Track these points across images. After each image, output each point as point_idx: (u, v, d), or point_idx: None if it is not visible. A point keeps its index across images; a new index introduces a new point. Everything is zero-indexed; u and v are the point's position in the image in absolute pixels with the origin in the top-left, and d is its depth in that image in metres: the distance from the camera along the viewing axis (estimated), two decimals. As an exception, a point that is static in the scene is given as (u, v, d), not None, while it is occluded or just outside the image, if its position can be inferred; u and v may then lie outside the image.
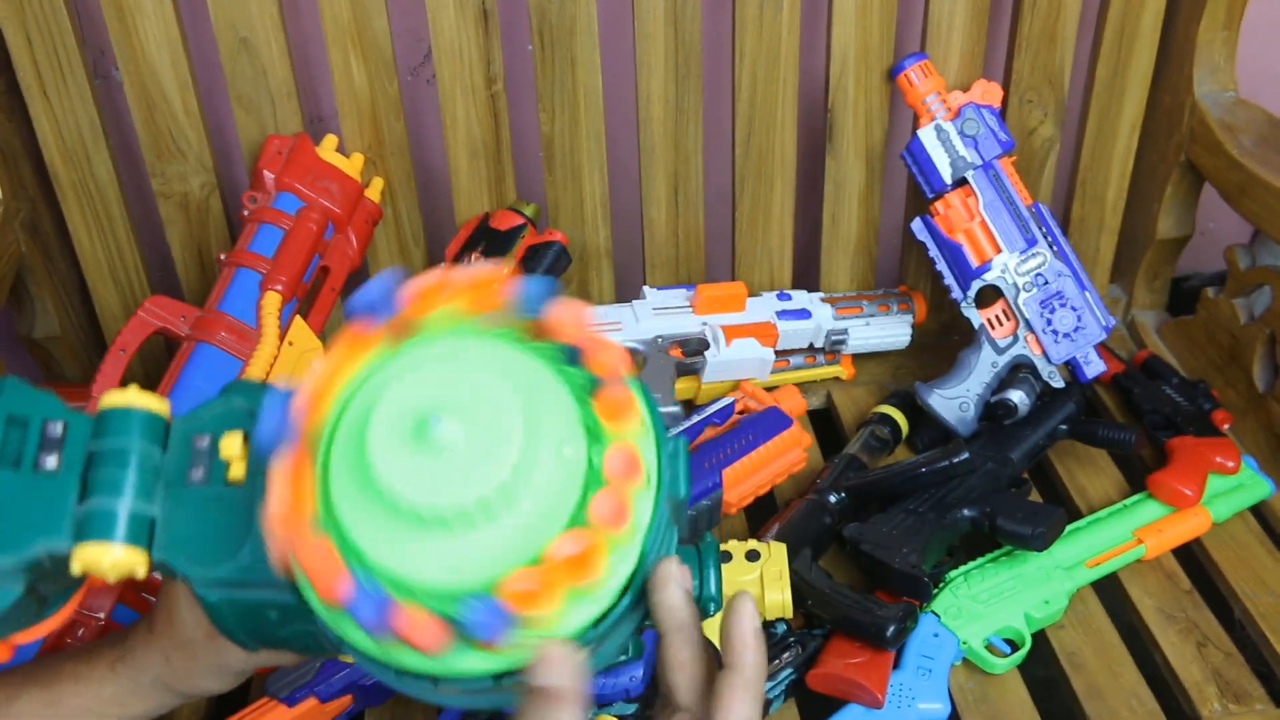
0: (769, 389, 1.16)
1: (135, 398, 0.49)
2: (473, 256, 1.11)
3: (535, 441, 0.46)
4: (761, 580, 0.91)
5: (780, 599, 0.90)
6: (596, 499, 0.44)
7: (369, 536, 0.45)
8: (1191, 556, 1.06)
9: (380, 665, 0.47)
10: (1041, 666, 0.97)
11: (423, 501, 0.44)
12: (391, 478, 0.44)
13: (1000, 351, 1.12)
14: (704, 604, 0.55)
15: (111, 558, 0.46)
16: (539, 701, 0.45)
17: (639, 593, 0.48)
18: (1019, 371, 1.12)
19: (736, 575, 0.91)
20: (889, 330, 1.22)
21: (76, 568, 0.46)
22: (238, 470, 0.49)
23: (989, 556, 1.01)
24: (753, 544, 0.93)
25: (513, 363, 0.48)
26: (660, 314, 1.13)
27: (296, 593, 0.47)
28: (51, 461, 0.47)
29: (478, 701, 0.50)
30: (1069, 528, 1.02)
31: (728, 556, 0.92)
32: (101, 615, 0.89)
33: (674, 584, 0.49)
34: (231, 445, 0.49)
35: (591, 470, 0.46)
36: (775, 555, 0.92)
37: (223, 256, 1.04)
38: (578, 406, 0.48)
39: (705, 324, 1.14)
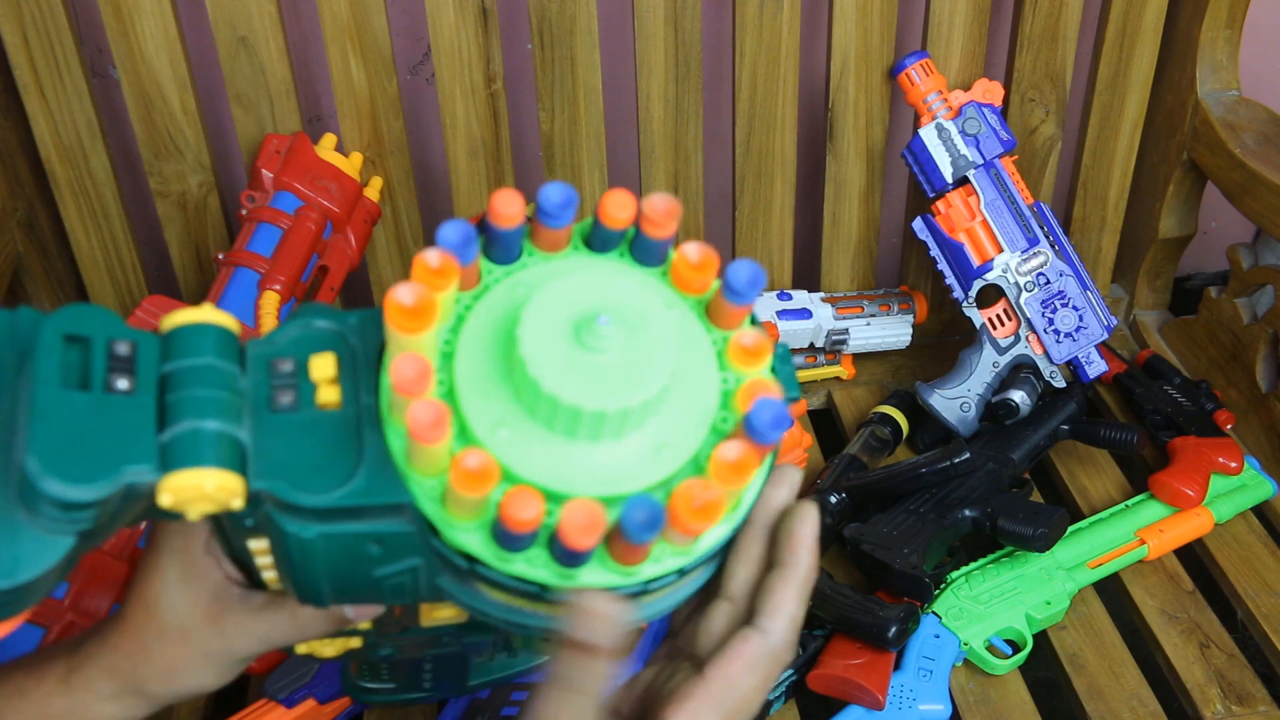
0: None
1: (207, 314, 0.44)
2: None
3: (687, 352, 0.46)
4: None
5: None
6: (756, 406, 0.43)
7: (513, 447, 0.43)
8: (1194, 557, 1.06)
9: (494, 580, 0.44)
10: (1043, 667, 0.97)
11: (587, 404, 0.42)
12: (550, 379, 0.42)
13: (1002, 351, 1.11)
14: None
15: (214, 481, 0.41)
16: (572, 654, 0.44)
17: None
18: (1020, 371, 1.12)
19: None
20: (890, 330, 1.21)
21: (166, 500, 0.41)
22: (330, 394, 0.45)
23: (990, 557, 1.01)
24: None
25: (645, 281, 0.48)
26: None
27: (417, 514, 0.43)
28: (124, 383, 0.42)
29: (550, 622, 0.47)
30: (1070, 528, 1.02)
31: None
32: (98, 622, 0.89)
33: (787, 487, 0.50)
34: (323, 366, 0.45)
35: (725, 394, 0.47)
36: None
37: (221, 256, 1.04)
38: (708, 333, 0.48)
39: (705, 324, 1.14)
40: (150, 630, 0.53)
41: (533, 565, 0.43)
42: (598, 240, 0.50)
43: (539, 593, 0.44)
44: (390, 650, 0.63)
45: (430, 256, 0.43)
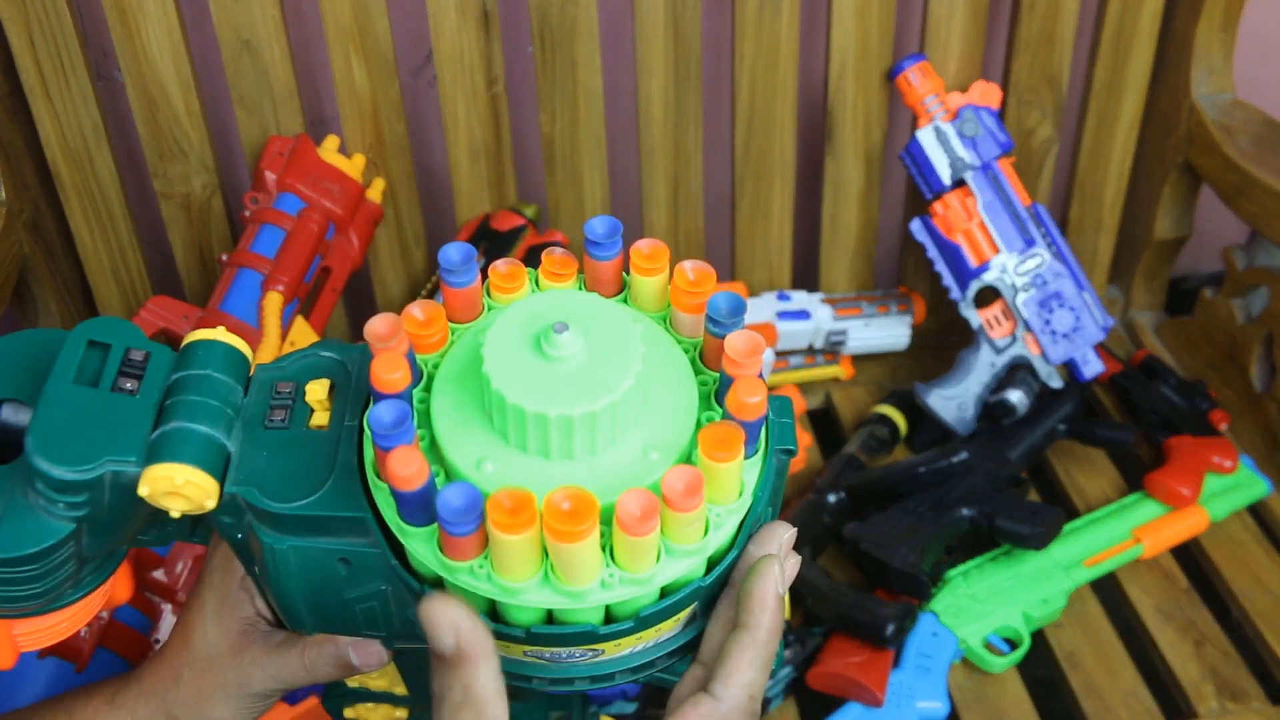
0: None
1: (221, 334, 0.48)
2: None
3: (653, 358, 0.45)
4: None
5: None
6: (735, 393, 0.43)
7: (498, 479, 0.43)
8: (1189, 556, 1.06)
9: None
10: (1040, 665, 0.98)
11: (551, 411, 0.41)
12: (513, 391, 0.42)
13: (999, 352, 1.12)
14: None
15: (185, 476, 0.44)
16: (439, 668, 0.43)
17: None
18: (1017, 371, 1.12)
19: None
20: (888, 331, 1.22)
21: (143, 490, 0.44)
22: (321, 417, 0.48)
23: (988, 556, 1.01)
24: None
25: (615, 304, 0.48)
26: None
27: (378, 527, 0.45)
28: (130, 385, 0.46)
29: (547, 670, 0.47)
30: (1067, 527, 1.03)
31: None
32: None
33: (775, 542, 0.47)
34: (318, 390, 0.48)
35: (704, 394, 0.46)
36: None
37: (224, 257, 1.04)
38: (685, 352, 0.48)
39: (705, 324, 1.14)
40: (183, 657, 0.56)
41: (476, 578, 0.42)
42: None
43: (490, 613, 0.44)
44: None
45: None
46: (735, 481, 0.44)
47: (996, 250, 1.11)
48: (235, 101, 1.08)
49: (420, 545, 0.43)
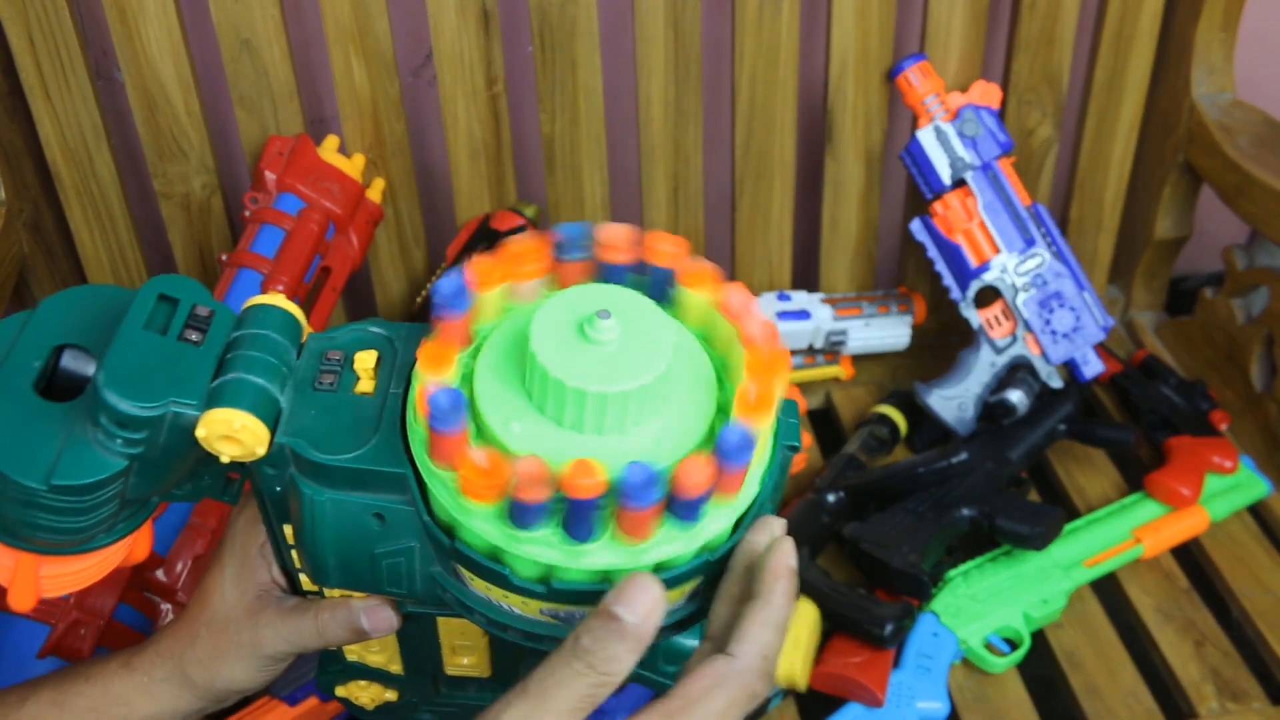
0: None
1: (279, 300, 0.51)
2: (474, 258, 1.11)
3: (686, 356, 0.50)
4: None
5: (790, 667, 0.82)
6: (750, 369, 0.47)
7: (524, 440, 0.46)
8: (1189, 556, 1.06)
9: (486, 567, 0.47)
10: (1040, 665, 0.98)
11: (590, 387, 0.45)
12: (556, 366, 0.45)
13: (999, 352, 1.12)
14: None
15: (244, 423, 0.47)
16: (599, 624, 0.44)
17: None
18: (1018, 372, 1.12)
19: None
20: (888, 331, 1.22)
21: (200, 433, 0.47)
22: (367, 385, 0.51)
23: (988, 556, 1.01)
24: None
25: (650, 301, 0.50)
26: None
27: (416, 482, 0.48)
28: (195, 336, 0.50)
29: (554, 629, 0.49)
30: (1067, 527, 1.03)
31: None
32: (103, 620, 0.89)
33: (768, 532, 0.50)
34: (366, 360, 0.51)
35: (722, 392, 0.50)
36: (802, 617, 0.86)
37: (224, 257, 1.04)
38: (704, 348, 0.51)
39: (705, 324, 1.14)
40: (201, 618, 0.58)
41: (544, 545, 0.45)
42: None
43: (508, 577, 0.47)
44: (429, 715, 0.65)
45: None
46: (766, 442, 0.48)
47: (997, 250, 1.11)
48: (235, 101, 1.08)
49: (482, 523, 0.46)
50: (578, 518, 0.44)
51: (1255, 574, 1.03)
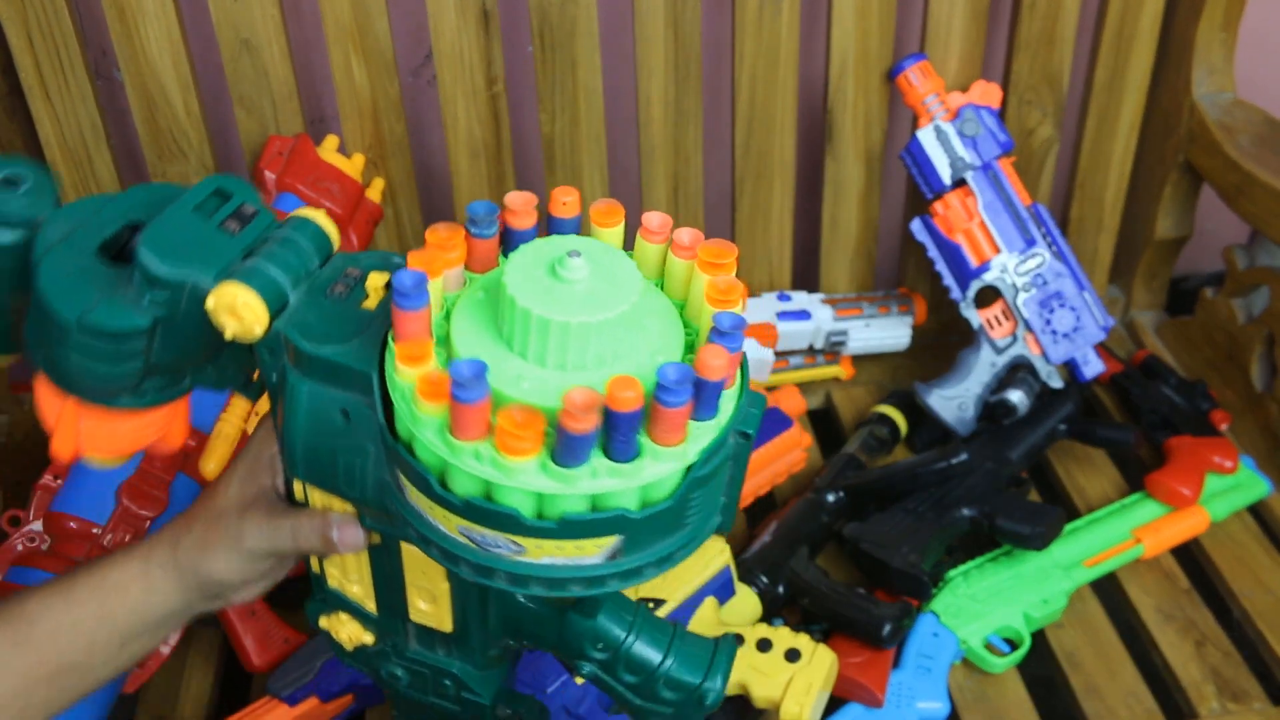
0: (769, 389, 1.17)
1: (319, 217, 0.57)
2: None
3: (646, 294, 0.52)
4: (788, 686, 0.83)
5: (798, 711, 0.82)
6: (702, 266, 0.51)
7: (513, 385, 0.49)
8: (1190, 556, 1.06)
9: (417, 473, 0.50)
10: (1040, 666, 0.98)
11: (556, 318, 0.48)
12: (531, 301, 0.48)
13: (999, 352, 1.12)
14: (701, 692, 0.60)
15: (245, 298, 0.52)
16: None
17: (694, 484, 0.50)
18: (1018, 371, 1.12)
19: (765, 669, 0.84)
20: (889, 332, 1.22)
21: (210, 302, 0.52)
22: (372, 301, 0.55)
23: (988, 556, 1.01)
24: (802, 640, 0.85)
25: (615, 248, 0.54)
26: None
27: (380, 381, 0.52)
28: (233, 226, 0.55)
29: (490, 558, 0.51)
30: (1068, 527, 1.03)
31: (766, 645, 0.86)
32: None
33: None
34: (378, 280, 0.55)
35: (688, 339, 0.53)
36: (817, 663, 0.84)
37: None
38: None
39: (705, 324, 1.14)
40: (202, 510, 0.63)
41: (595, 477, 0.48)
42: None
43: (445, 498, 0.49)
44: (400, 671, 0.67)
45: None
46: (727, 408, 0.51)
47: (997, 250, 1.11)
48: (235, 101, 1.08)
49: (428, 433, 0.48)
50: (626, 433, 0.47)
51: (1256, 574, 1.03)
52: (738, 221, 1.20)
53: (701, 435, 0.49)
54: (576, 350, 0.49)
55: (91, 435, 0.59)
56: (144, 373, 0.56)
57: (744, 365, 0.53)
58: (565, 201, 0.56)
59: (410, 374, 0.49)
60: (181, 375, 0.59)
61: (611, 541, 0.50)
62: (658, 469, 0.48)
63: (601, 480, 0.48)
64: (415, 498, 0.51)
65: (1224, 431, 1.15)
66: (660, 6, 1.08)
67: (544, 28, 1.08)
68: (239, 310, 0.52)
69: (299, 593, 0.99)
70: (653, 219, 0.55)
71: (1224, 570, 1.03)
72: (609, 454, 0.47)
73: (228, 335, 0.53)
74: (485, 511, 0.48)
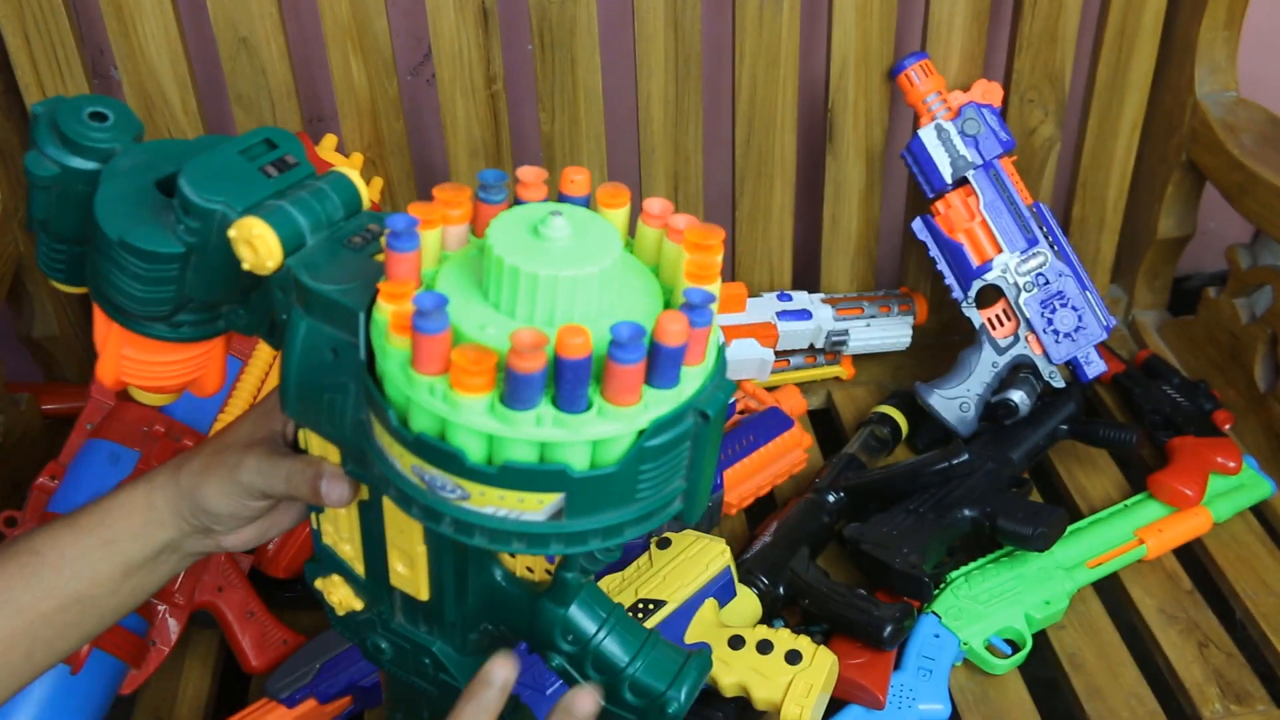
0: (769, 389, 1.16)
1: (354, 175, 0.59)
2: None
3: (631, 272, 0.54)
4: (789, 688, 0.83)
5: (797, 713, 0.82)
6: (688, 246, 0.51)
7: (464, 315, 0.50)
8: (1193, 557, 1.06)
9: (380, 407, 0.51)
10: (1042, 667, 0.97)
11: (543, 271, 0.49)
12: (514, 257, 0.49)
13: (1001, 351, 1.12)
14: (664, 700, 0.61)
15: (261, 232, 0.54)
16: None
17: (645, 454, 0.50)
18: (1019, 371, 1.12)
19: (765, 671, 0.84)
20: (890, 332, 1.22)
21: (232, 232, 0.55)
22: (383, 255, 0.55)
23: (990, 557, 1.01)
24: (803, 642, 0.85)
25: (596, 214, 0.55)
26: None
27: (364, 328, 0.53)
28: (272, 171, 0.58)
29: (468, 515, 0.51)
30: (1070, 528, 1.02)
31: (767, 646, 0.85)
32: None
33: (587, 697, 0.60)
34: None
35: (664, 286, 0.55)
36: (818, 665, 0.84)
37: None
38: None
39: (705, 324, 1.14)
40: (213, 441, 0.66)
41: (539, 424, 0.48)
42: None
43: (406, 437, 0.50)
44: (384, 644, 0.68)
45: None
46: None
47: (999, 249, 1.10)
48: (233, 100, 1.07)
49: (394, 366, 0.50)
50: (572, 382, 0.47)
51: (1259, 575, 1.02)
52: (738, 221, 1.20)
53: (658, 403, 0.49)
54: (545, 303, 0.49)
55: (132, 363, 0.64)
56: (178, 302, 0.60)
57: (720, 351, 0.53)
58: (575, 180, 0.57)
59: (387, 309, 0.50)
60: (216, 313, 0.63)
61: (554, 499, 0.50)
62: (606, 427, 0.48)
63: (546, 428, 0.48)
64: (379, 434, 0.52)
65: (1227, 432, 1.15)
66: (660, 5, 1.08)
67: (543, 26, 1.08)
68: (254, 242, 0.55)
69: (297, 594, 1.00)
70: (654, 204, 0.56)
71: (1227, 571, 1.03)
72: (557, 403, 0.48)
73: (245, 266, 0.56)
74: (433, 449, 0.49)
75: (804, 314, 1.18)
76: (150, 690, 0.95)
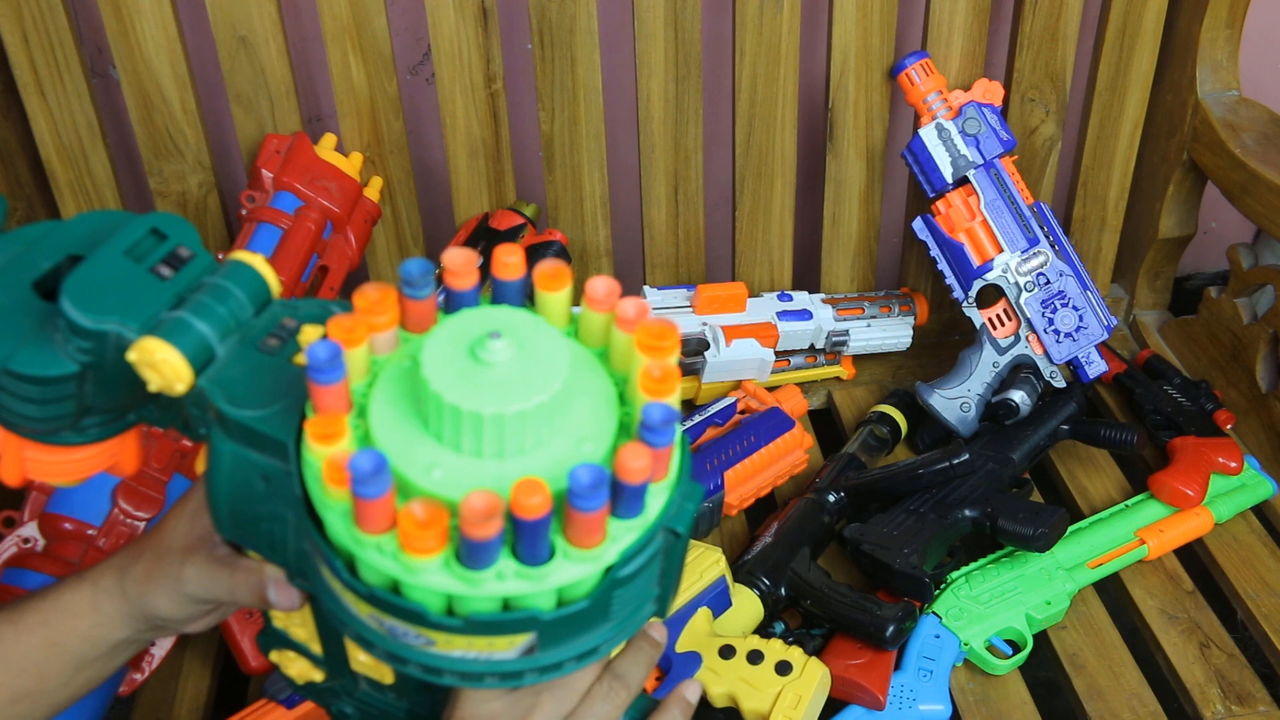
0: (770, 389, 1.16)
1: (257, 262, 0.53)
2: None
3: (579, 370, 0.49)
4: (777, 700, 0.83)
5: None
6: (640, 349, 0.47)
7: (446, 485, 0.45)
8: (1194, 557, 1.05)
9: (344, 576, 0.47)
10: (1043, 667, 0.97)
11: (485, 409, 0.45)
12: (442, 385, 0.45)
13: (1002, 351, 1.11)
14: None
15: (164, 355, 0.49)
16: (644, 650, 0.62)
17: (615, 584, 0.48)
18: (1020, 371, 1.12)
19: (755, 682, 0.84)
20: (890, 332, 1.21)
21: (131, 355, 0.49)
22: (304, 357, 0.50)
23: (990, 557, 1.01)
24: (794, 653, 0.86)
25: (542, 320, 0.50)
26: (660, 314, 1.13)
27: (295, 458, 0.49)
28: (165, 271, 0.52)
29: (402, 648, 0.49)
30: (1071, 528, 1.02)
31: (758, 657, 0.85)
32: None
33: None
34: (312, 334, 0.52)
35: (620, 394, 0.50)
36: (808, 676, 0.84)
37: (221, 256, 1.03)
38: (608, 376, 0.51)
39: (705, 324, 1.14)
40: (151, 541, 0.62)
41: (501, 579, 0.45)
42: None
43: (352, 585, 0.46)
44: (350, 709, 0.66)
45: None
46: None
47: (999, 249, 1.10)
48: (232, 99, 1.07)
49: (335, 518, 0.46)
50: (532, 539, 0.44)
51: (1260, 575, 1.02)
52: (738, 220, 1.20)
53: (623, 535, 0.46)
54: (492, 439, 0.45)
55: (38, 464, 0.57)
56: (79, 413, 0.54)
57: (683, 452, 0.50)
58: (509, 262, 0.51)
59: (321, 453, 0.46)
60: (123, 412, 0.57)
61: (525, 639, 0.48)
62: (572, 571, 0.45)
63: (509, 583, 0.45)
64: (329, 577, 0.49)
65: (1228, 432, 1.15)
66: (660, 4, 1.07)
67: (543, 25, 1.07)
68: (158, 367, 0.49)
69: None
70: (598, 286, 0.50)
71: (1228, 572, 1.03)
72: (518, 555, 0.45)
73: (150, 389, 0.51)
74: (390, 605, 0.46)
75: (804, 314, 1.18)
76: (149, 691, 0.94)
